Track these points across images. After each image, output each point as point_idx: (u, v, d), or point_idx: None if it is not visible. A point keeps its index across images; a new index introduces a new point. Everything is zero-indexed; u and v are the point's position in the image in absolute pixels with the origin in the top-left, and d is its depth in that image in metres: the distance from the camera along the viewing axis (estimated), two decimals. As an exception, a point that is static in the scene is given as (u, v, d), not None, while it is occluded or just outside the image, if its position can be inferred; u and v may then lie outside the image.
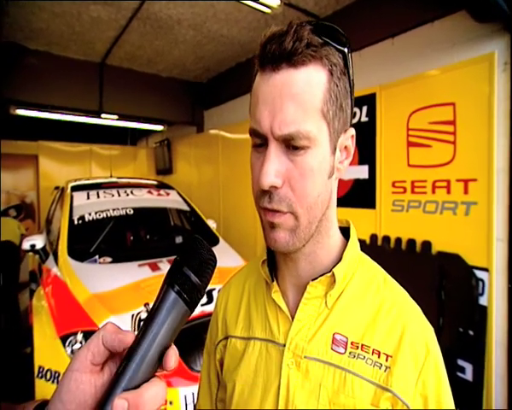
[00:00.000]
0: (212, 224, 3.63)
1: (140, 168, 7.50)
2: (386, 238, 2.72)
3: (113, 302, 2.12)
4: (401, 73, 2.69)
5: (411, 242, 2.55)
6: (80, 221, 2.93)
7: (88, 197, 3.21)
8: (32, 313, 2.35)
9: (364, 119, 2.86)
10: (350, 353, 0.53)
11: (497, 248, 2.15)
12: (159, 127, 6.26)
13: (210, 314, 2.12)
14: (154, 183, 3.98)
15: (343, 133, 0.54)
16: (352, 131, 0.55)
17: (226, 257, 2.85)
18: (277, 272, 0.62)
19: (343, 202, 2.98)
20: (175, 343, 0.38)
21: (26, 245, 2.89)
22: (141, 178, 4.38)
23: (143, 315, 2.02)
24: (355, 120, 2.90)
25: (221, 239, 3.28)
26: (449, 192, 2.34)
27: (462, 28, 2.33)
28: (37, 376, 1.84)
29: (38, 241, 2.95)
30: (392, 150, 2.69)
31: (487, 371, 2.17)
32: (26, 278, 4.58)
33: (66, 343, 1.89)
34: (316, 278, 0.55)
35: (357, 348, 0.53)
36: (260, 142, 0.52)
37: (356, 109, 2.89)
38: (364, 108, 2.86)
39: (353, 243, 0.60)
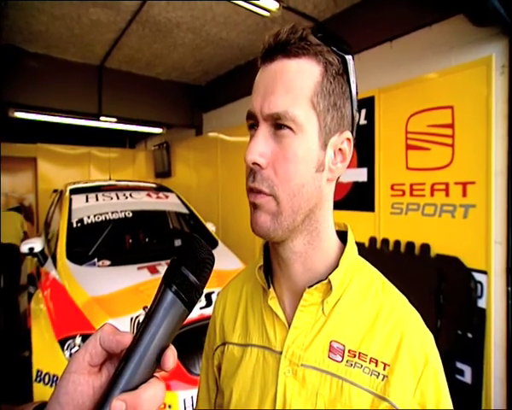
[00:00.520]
0: (211, 227, 3.63)
1: (139, 171, 7.50)
2: (385, 241, 2.72)
3: (111, 306, 2.11)
4: (400, 76, 2.71)
5: (410, 244, 2.55)
6: (79, 224, 2.92)
7: (87, 200, 3.20)
8: (30, 316, 2.35)
9: (363, 122, 2.87)
10: (347, 361, 0.52)
11: (496, 250, 2.16)
12: (157, 130, 6.26)
13: (209, 318, 2.11)
14: (153, 186, 3.97)
15: (338, 134, 0.54)
16: (348, 135, 0.55)
17: (225, 260, 2.85)
18: (274, 277, 0.62)
19: (342, 204, 2.99)
20: (174, 346, 0.37)
21: (24, 248, 2.88)
22: (140, 181, 4.38)
23: (142, 318, 2.02)
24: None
25: (220, 242, 3.27)
26: (447, 195, 2.35)
27: (460, 32, 2.35)
28: (36, 380, 1.83)
29: (37, 244, 2.94)
30: (390, 153, 2.70)
31: (486, 373, 2.17)
32: (25, 280, 4.57)
33: (65, 347, 1.88)
34: (312, 285, 0.54)
35: (355, 356, 0.52)
36: (252, 122, 0.55)
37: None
38: (363, 111, 2.87)
39: (351, 248, 0.59)
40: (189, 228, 3.60)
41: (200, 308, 2.15)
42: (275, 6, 2.78)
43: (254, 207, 0.54)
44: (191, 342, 1.92)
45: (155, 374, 0.36)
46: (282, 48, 0.51)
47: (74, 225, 2.91)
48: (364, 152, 2.85)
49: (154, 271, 2.49)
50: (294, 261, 0.57)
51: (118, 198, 3.30)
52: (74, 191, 3.35)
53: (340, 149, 0.55)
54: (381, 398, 0.49)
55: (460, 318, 2.28)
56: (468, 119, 2.25)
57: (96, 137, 7.29)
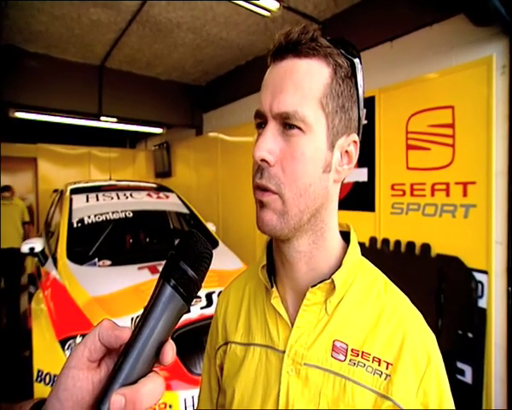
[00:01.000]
0: (211, 227, 3.63)
1: (139, 171, 7.51)
2: (386, 241, 2.72)
3: (112, 306, 2.11)
4: (400, 76, 2.71)
5: (411, 244, 2.55)
6: (79, 224, 2.92)
7: (87, 200, 3.20)
8: (30, 316, 2.35)
9: (363, 121, 2.86)
10: (350, 360, 0.52)
11: (496, 250, 2.16)
12: (158, 130, 6.26)
13: (209, 317, 2.12)
14: (154, 186, 3.98)
15: (345, 136, 0.55)
16: (355, 137, 0.56)
17: (225, 260, 2.85)
18: (276, 277, 0.62)
19: (342, 204, 2.98)
20: (175, 345, 0.37)
21: (24, 248, 2.88)
22: (140, 181, 4.38)
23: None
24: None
25: (220, 242, 3.27)
26: (448, 195, 2.35)
27: (461, 31, 2.35)
28: (37, 380, 1.83)
29: (37, 244, 2.94)
30: (391, 153, 2.70)
31: (487, 373, 2.17)
32: (25, 280, 4.58)
33: (66, 347, 1.88)
34: (315, 285, 0.55)
35: (358, 355, 0.52)
36: (261, 121, 0.55)
37: (355, 112, 2.89)
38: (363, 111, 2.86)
39: (353, 248, 0.59)
40: (190, 228, 3.60)
41: (201, 308, 2.15)
42: (275, 6, 2.78)
43: (261, 204, 0.53)
44: (192, 341, 1.92)
45: (154, 369, 0.36)
46: (293, 47, 0.51)
47: (75, 224, 2.91)
48: (365, 152, 2.85)
49: (154, 271, 2.50)
50: (298, 260, 0.57)
51: (118, 198, 3.30)
52: (75, 191, 3.35)
53: (346, 151, 0.56)
54: (383, 397, 0.49)
55: (460, 318, 2.28)
56: (468, 119, 2.25)
57: (97, 137, 7.29)
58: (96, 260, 2.63)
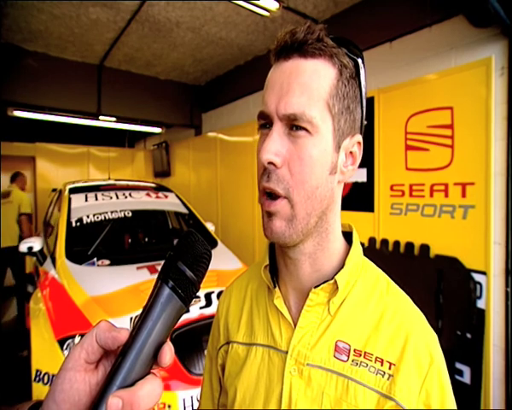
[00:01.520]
0: (210, 226, 3.63)
1: (138, 171, 7.49)
2: (385, 242, 2.72)
3: (111, 305, 2.10)
4: (399, 76, 2.71)
5: (409, 245, 2.55)
6: (78, 223, 2.91)
7: (86, 199, 3.19)
8: (29, 315, 2.34)
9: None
10: (353, 360, 0.52)
11: (495, 251, 2.16)
12: (157, 130, 6.25)
13: (208, 317, 2.12)
14: (153, 185, 3.97)
15: (349, 137, 0.55)
16: (359, 138, 0.56)
17: (225, 260, 2.84)
18: (279, 277, 0.62)
19: (341, 205, 2.98)
20: (174, 346, 0.37)
21: (23, 247, 2.87)
22: (139, 181, 4.38)
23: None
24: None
25: (219, 242, 3.27)
26: (447, 196, 2.35)
27: (460, 33, 2.35)
28: (35, 380, 1.83)
29: (36, 243, 2.94)
30: (390, 154, 2.71)
31: (485, 374, 2.18)
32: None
33: (64, 347, 1.87)
34: (318, 285, 0.55)
35: (360, 355, 0.52)
36: (265, 122, 0.54)
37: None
38: (363, 112, 2.87)
39: (356, 249, 0.59)
40: (189, 228, 3.60)
41: (200, 308, 2.15)
42: (275, 6, 2.78)
43: (269, 214, 0.53)
44: (191, 341, 1.92)
45: (152, 371, 0.36)
46: (299, 47, 0.51)
47: (73, 224, 2.90)
48: (364, 152, 2.80)
49: (153, 271, 2.49)
50: (303, 262, 0.57)
51: (117, 198, 3.29)
52: (73, 190, 3.34)
53: (350, 152, 0.56)
54: (386, 397, 0.49)
55: (459, 318, 2.28)
56: (467, 120, 2.25)
57: (95, 137, 7.28)
58: (95, 259, 2.62)
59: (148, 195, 3.52)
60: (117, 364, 0.34)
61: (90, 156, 6.88)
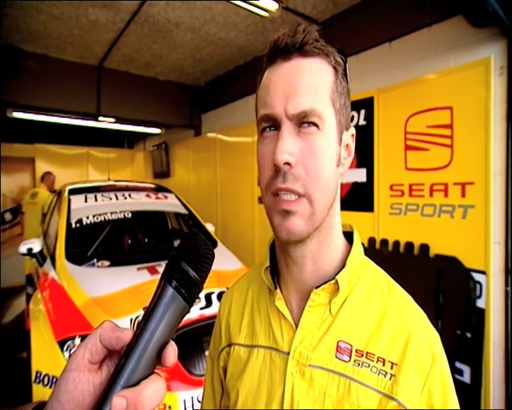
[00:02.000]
0: (210, 227, 3.63)
1: (137, 171, 7.49)
2: (384, 241, 2.72)
3: (111, 306, 2.10)
4: (399, 76, 2.71)
5: (409, 245, 2.56)
6: (78, 225, 2.91)
7: (86, 200, 3.19)
8: (29, 317, 2.34)
9: (362, 122, 2.88)
10: (354, 361, 0.52)
11: (495, 250, 2.17)
12: (156, 130, 6.26)
13: (209, 318, 2.12)
14: (152, 186, 3.97)
15: (346, 130, 0.57)
16: (353, 131, 0.59)
17: (224, 260, 2.84)
18: (280, 278, 0.62)
19: (341, 205, 2.97)
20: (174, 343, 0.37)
21: (22, 249, 2.87)
22: (139, 182, 4.38)
23: (142, 315, 2.01)
24: (353, 124, 2.91)
25: (219, 242, 3.27)
26: (446, 195, 2.35)
27: (459, 33, 2.35)
28: (35, 381, 1.82)
29: (36, 244, 2.93)
30: (389, 154, 2.71)
31: (485, 373, 2.18)
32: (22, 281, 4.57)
33: (64, 348, 1.87)
34: (319, 286, 0.55)
35: (362, 355, 0.52)
36: (269, 124, 0.53)
37: (354, 113, 2.90)
38: (362, 112, 2.87)
39: (357, 248, 0.59)
40: (188, 228, 3.60)
41: (200, 309, 2.15)
42: (274, 6, 2.78)
43: (286, 214, 0.52)
44: (191, 342, 1.92)
45: (156, 371, 0.36)
46: (300, 48, 0.52)
47: (73, 225, 2.90)
48: (363, 152, 2.85)
49: (153, 271, 2.49)
50: (306, 261, 0.57)
51: (117, 199, 3.29)
52: (73, 192, 3.34)
53: (347, 145, 0.58)
54: (388, 397, 0.49)
55: (459, 318, 2.28)
56: (467, 119, 2.26)
57: (95, 138, 7.28)
58: (95, 260, 2.62)
59: (147, 196, 3.51)
60: (121, 364, 0.34)
61: (89, 157, 6.88)
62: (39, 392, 1.80)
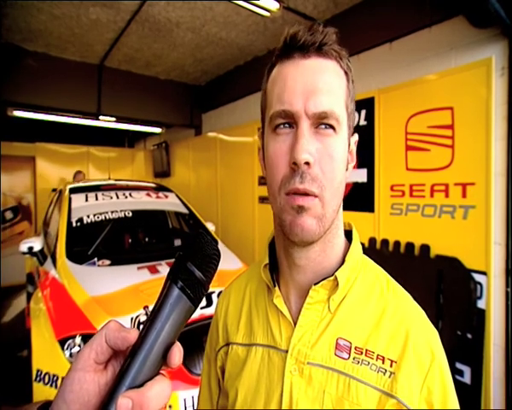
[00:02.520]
0: (210, 226, 3.63)
1: (138, 171, 7.49)
2: (385, 242, 2.72)
3: (112, 305, 2.10)
4: (399, 77, 2.71)
5: (410, 245, 2.55)
6: (79, 223, 2.91)
7: (86, 199, 3.20)
8: (29, 315, 2.34)
9: (363, 122, 2.88)
10: (354, 358, 0.52)
11: (495, 251, 2.17)
12: (157, 130, 6.26)
13: (209, 317, 2.12)
14: (153, 185, 3.97)
15: (351, 136, 0.57)
16: (356, 137, 0.59)
17: (225, 260, 2.84)
18: (279, 276, 0.61)
19: (342, 205, 2.99)
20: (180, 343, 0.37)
21: (23, 247, 2.87)
22: (139, 181, 4.38)
23: (143, 318, 2.02)
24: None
25: (220, 242, 3.27)
26: (447, 196, 2.35)
27: (460, 33, 2.35)
28: (35, 380, 1.82)
29: (36, 243, 2.94)
30: (390, 154, 2.71)
31: (485, 374, 2.18)
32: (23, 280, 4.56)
33: (65, 347, 1.87)
34: (318, 283, 0.55)
35: (361, 353, 0.52)
36: (285, 121, 0.52)
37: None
38: (363, 112, 2.87)
39: (356, 246, 0.59)
40: (189, 228, 3.61)
41: (201, 308, 2.15)
42: (275, 6, 2.78)
43: (299, 210, 0.50)
44: (192, 342, 1.92)
45: (161, 371, 0.36)
46: (319, 47, 0.51)
47: (74, 224, 2.90)
48: (364, 153, 2.85)
49: (154, 271, 2.49)
50: (311, 261, 0.57)
51: (117, 198, 3.29)
52: (74, 190, 3.34)
53: (351, 151, 0.58)
54: (388, 395, 0.49)
55: (459, 318, 2.28)
56: (467, 120, 2.26)
57: (95, 137, 7.28)
58: (96, 259, 2.62)
59: (148, 195, 3.52)
60: (126, 364, 0.34)
61: (90, 156, 6.88)
62: (40, 391, 1.80)
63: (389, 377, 0.50)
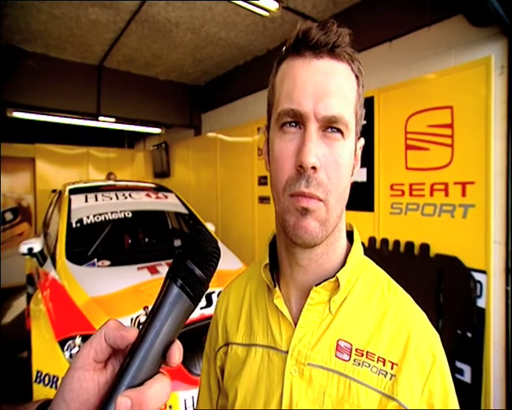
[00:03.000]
0: (210, 227, 3.63)
1: (137, 171, 7.48)
2: (385, 241, 2.72)
3: (112, 306, 2.10)
4: (399, 76, 2.71)
5: (409, 244, 2.55)
6: (78, 224, 2.91)
7: (86, 200, 3.20)
8: (29, 316, 2.34)
9: (362, 122, 2.87)
10: (354, 360, 0.52)
11: (495, 250, 2.16)
12: (156, 130, 6.25)
13: (209, 318, 2.12)
14: (153, 186, 3.97)
15: (358, 141, 0.57)
16: (362, 141, 0.59)
17: (225, 260, 2.84)
18: (280, 276, 0.61)
19: (341, 204, 2.99)
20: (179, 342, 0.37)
21: (23, 248, 2.87)
22: (139, 181, 4.38)
23: (143, 319, 2.01)
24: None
25: (219, 242, 3.27)
26: (447, 195, 2.35)
27: (459, 32, 2.35)
28: (36, 381, 1.82)
29: (36, 244, 2.94)
30: (390, 153, 2.71)
31: (485, 373, 2.18)
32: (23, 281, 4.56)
33: (65, 348, 1.87)
34: (319, 284, 0.54)
35: (362, 355, 0.52)
36: (293, 120, 0.51)
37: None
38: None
39: (357, 248, 0.59)
40: (189, 228, 3.61)
41: (201, 308, 2.15)
42: (274, 6, 2.78)
43: (304, 212, 0.50)
44: (192, 342, 1.92)
45: (161, 370, 0.36)
46: (332, 49, 0.50)
47: (74, 225, 2.90)
48: (364, 152, 2.80)
49: (154, 271, 2.49)
50: (313, 263, 0.56)
51: (117, 198, 3.29)
52: (74, 191, 3.34)
53: (356, 155, 0.57)
54: (389, 397, 0.49)
55: (459, 317, 2.28)
56: (467, 119, 2.25)
57: (95, 137, 7.28)
58: (95, 260, 2.62)
59: (147, 195, 3.52)
60: (125, 363, 0.34)
61: (89, 157, 6.87)
62: (40, 392, 1.80)
63: (390, 379, 0.50)
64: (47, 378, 1.81)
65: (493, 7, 1.91)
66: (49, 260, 2.74)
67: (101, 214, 3.04)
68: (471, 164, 2.24)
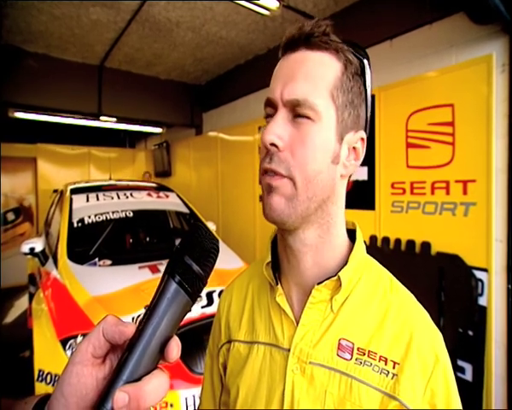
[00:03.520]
0: (211, 226, 3.63)
1: (139, 171, 7.49)
2: (386, 239, 2.72)
3: (113, 305, 2.11)
4: (400, 74, 2.71)
5: (411, 243, 2.55)
6: (80, 224, 2.92)
7: (87, 200, 3.20)
8: (31, 316, 2.35)
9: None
10: (356, 359, 0.51)
11: (496, 248, 2.16)
12: (157, 130, 6.26)
13: (210, 316, 2.12)
14: (154, 185, 3.97)
15: (353, 131, 0.56)
16: (363, 134, 0.57)
17: (226, 259, 2.85)
18: (281, 274, 0.61)
19: (342, 203, 2.99)
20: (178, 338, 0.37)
21: (25, 248, 2.88)
22: (140, 181, 4.38)
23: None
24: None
25: (220, 241, 3.28)
26: (448, 193, 2.35)
27: (461, 30, 2.35)
28: (37, 379, 1.83)
29: (38, 244, 2.95)
30: (391, 152, 2.70)
31: (487, 371, 2.18)
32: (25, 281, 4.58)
33: (67, 346, 1.88)
34: (321, 282, 0.54)
35: (364, 354, 0.51)
36: (271, 112, 0.55)
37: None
38: (363, 110, 2.87)
39: (359, 246, 0.59)
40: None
41: (202, 307, 2.15)
42: (275, 5, 2.77)
43: (269, 189, 0.52)
44: (193, 341, 1.93)
45: (159, 366, 0.36)
46: (306, 40, 0.53)
47: (75, 224, 2.91)
48: (365, 150, 2.84)
49: (155, 270, 2.50)
50: (304, 254, 0.57)
51: (118, 198, 3.30)
52: (75, 191, 3.35)
53: (354, 148, 0.57)
54: (390, 397, 0.49)
55: (461, 316, 2.28)
56: (468, 117, 2.25)
57: (96, 137, 7.28)
58: (97, 259, 2.63)
59: (149, 195, 3.52)
60: (123, 358, 0.34)
61: (90, 157, 6.89)
62: (42, 390, 1.80)
63: (392, 378, 0.49)
64: (49, 377, 1.82)
65: (494, 4, 1.90)
66: (50, 260, 2.74)
67: (102, 214, 3.04)
68: (472, 162, 2.23)
